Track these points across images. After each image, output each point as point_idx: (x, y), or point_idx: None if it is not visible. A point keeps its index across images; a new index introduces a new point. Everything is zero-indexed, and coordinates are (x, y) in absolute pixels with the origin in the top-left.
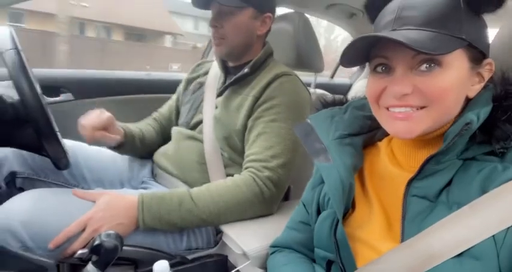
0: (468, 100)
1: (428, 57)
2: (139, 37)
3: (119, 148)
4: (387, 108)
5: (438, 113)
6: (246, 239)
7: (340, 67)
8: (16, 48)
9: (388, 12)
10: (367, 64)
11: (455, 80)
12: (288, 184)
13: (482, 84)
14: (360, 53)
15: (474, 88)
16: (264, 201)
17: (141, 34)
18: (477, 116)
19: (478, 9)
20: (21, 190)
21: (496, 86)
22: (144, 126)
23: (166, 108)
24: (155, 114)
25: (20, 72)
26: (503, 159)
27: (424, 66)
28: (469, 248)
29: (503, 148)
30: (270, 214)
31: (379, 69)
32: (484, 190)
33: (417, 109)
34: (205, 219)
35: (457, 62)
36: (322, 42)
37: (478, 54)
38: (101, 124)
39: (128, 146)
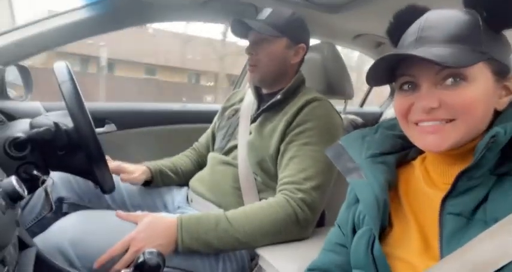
0: (497, 114)
1: (453, 72)
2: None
3: (147, 185)
4: (416, 124)
5: (467, 125)
6: (283, 262)
7: (371, 96)
8: (72, 79)
9: (410, 34)
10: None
11: (480, 92)
12: (323, 207)
13: (511, 97)
14: (385, 72)
15: (502, 102)
16: (298, 222)
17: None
18: (504, 129)
19: (497, 26)
20: (66, 215)
21: None
22: (179, 158)
23: (204, 137)
24: (195, 144)
25: (75, 102)
26: None
27: (449, 81)
28: (509, 263)
29: None
30: (305, 237)
31: (405, 87)
32: None
33: (446, 122)
34: (241, 239)
35: (480, 75)
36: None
37: (501, 67)
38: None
39: (157, 181)
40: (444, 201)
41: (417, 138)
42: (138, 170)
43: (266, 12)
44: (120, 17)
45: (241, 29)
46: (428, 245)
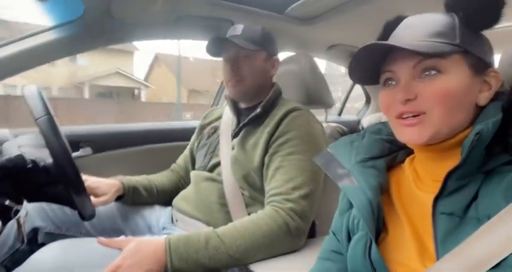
0: (482, 110)
1: (428, 65)
2: None
3: (119, 199)
4: (397, 117)
5: (442, 117)
6: None
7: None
8: (49, 113)
9: (393, 33)
10: (372, 100)
11: (455, 85)
12: (313, 215)
13: (491, 92)
14: (369, 70)
15: (483, 96)
16: (290, 233)
17: None
18: (487, 126)
19: (475, 27)
20: (43, 245)
21: (505, 96)
22: (157, 177)
23: (182, 158)
24: (173, 166)
25: (54, 138)
26: None
27: (425, 73)
28: (505, 258)
29: None
30: (298, 248)
31: (388, 83)
32: (508, 199)
33: (423, 114)
34: (233, 256)
35: (455, 68)
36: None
37: (478, 61)
38: None
39: (128, 199)
40: (436, 201)
41: (398, 132)
42: (110, 190)
43: (239, 28)
44: (92, 36)
45: (215, 46)
46: (424, 247)
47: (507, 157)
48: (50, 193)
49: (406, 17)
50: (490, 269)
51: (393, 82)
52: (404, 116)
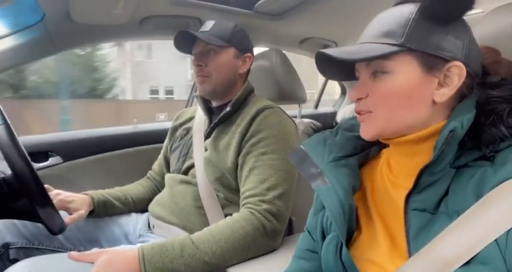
0: (453, 106)
1: (375, 66)
2: None
3: (91, 214)
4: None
5: (387, 115)
6: None
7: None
8: (5, 123)
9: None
10: (347, 91)
11: (400, 84)
12: (289, 215)
13: (452, 88)
14: (342, 69)
15: (441, 93)
16: (266, 234)
17: None
18: (461, 123)
19: (434, 18)
20: (15, 261)
21: (477, 91)
22: (132, 186)
23: (157, 164)
24: (149, 173)
25: (12, 148)
26: (493, 162)
27: (375, 75)
28: (475, 255)
29: (492, 152)
30: (275, 248)
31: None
32: (478, 195)
33: (370, 113)
34: (209, 261)
35: (402, 68)
36: None
37: (431, 58)
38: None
39: (99, 212)
40: (408, 198)
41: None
42: (83, 205)
43: (209, 24)
44: (53, 41)
45: (185, 42)
46: (396, 245)
47: (479, 153)
48: (14, 209)
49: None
50: (460, 266)
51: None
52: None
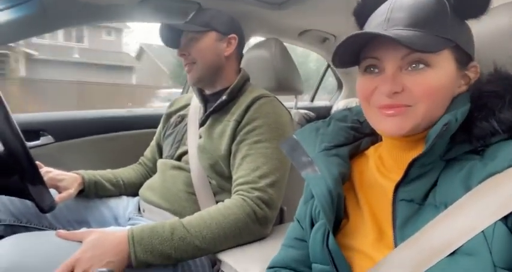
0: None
1: (418, 57)
2: None
3: (80, 194)
4: (378, 107)
5: (426, 111)
6: (245, 264)
7: (319, 92)
8: None
9: (378, 15)
10: (344, 85)
11: (443, 80)
12: (280, 203)
13: (467, 85)
14: (351, 54)
15: (460, 90)
16: (257, 220)
17: None
18: (455, 117)
19: (464, 15)
20: (2, 238)
21: (472, 86)
22: (124, 170)
23: (149, 150)
24: (141, 158)
25: (4, 123)
26: (482, 156)
27: (413, 66)
28: (461, 246)
29: (482, 146)
30: (265, 235)
31: (369, 69)
32: (467, 188)
33: (407, 106)
34: (200, 246)
35: (444, 63)
36: None
37: (464, 56)
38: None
39: (89, 193)
40: (397, 188)
41: (378, 122)
42: (73, 184)
43: (191, 16)
44: (49, 18)
45: (171, 36)
46: (382, 234)
47: (469, 146)
48: (4, 185)
49: None
50: (447, 256)
51: (376, 70)
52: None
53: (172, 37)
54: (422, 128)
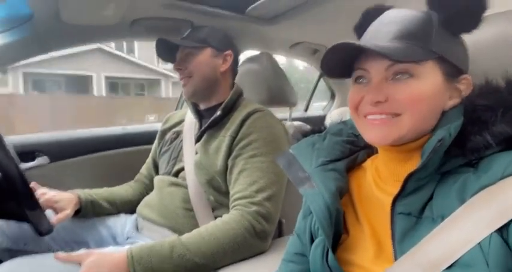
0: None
1: (402, 68)
2: None
3: (77, 214)
4: (365, 116)
5: (412, 121)
6: None
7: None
8: None
9: (371, 28)
10: (336, 95)
11: (427, 90)
12: (278, 216)
13: (459, 98)
14: (343, 66)
15: (451, 102)
16: (256, 235)
17: None
18: (448, 132)
19: (453, 29)
20: (0, 263)
21: (464, 100)
22: (120, 187)
23: (145, 168)
24: (137, 176)
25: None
26: (476, 169)
27: (398, 77)
28: (458, 258)
29: (476, 159)
30: (265, 250)
31: (359, 80)
32: (461, 200)
33: (392, 116)
34: (199, 262)
35: (429, 74)
36: None
37: (452, 68)
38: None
39: (86, 212)
40: (394, 202)
41: (364, 130)
42: (69, 204)
43: (187, 32)
44: (41, 41)
45: (166, 52)
46: (382, 248)
47: (463, 160)
48: (1, 209)
49: (385, 6)
50: (445, 269)
51: (364, 81)
52: (372, 117)
53: (168, 52)
54: (407, 139)
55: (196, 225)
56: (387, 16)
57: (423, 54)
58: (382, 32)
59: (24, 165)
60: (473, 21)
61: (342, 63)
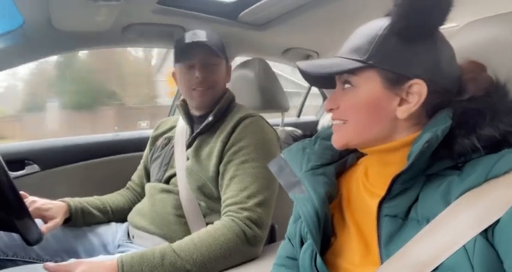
0: (421, 121)
1: (344, 80)
2: None
3: (66, 222)
4: None
5: (353, 127)
6: None
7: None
8: None
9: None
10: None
11: (365, 98)
12: (270, 222)
13: (413, 106)
14: (324, 77)
15: (402, 109)
16: (247, 241)
17: None
18: (436, 134)
19: (401, 35)
20: None
21: (453, 103)
22: (111, 196)
23: (136, 175)
24: (129, 183)
25: None
26: (461, 171)
27: (345, 87)
28: (443, 261)
29: (462, 162)
30: (257, 256)
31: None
32: (446, 202)
33: (343, 122)
34: (191, 270)
35: (365, 83)
36: None
37: (394, 76)
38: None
39: (77, 221)
40: (380, 204)
41: None
42: (59, 212)
43: (200, 34)
44: (33, 47)
45: (183, 51)
46: (369, 251)
47: (450, 162)
48: None
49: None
50: None
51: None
52: (333, 122)
53: (183, 52)
54: (355, 144)
55: (188, 232)
56: (356, 31)
57: (353, 65)
58: (344, 46)
59: (12, 174)
60: (427, 31)
61: (324, 76)
